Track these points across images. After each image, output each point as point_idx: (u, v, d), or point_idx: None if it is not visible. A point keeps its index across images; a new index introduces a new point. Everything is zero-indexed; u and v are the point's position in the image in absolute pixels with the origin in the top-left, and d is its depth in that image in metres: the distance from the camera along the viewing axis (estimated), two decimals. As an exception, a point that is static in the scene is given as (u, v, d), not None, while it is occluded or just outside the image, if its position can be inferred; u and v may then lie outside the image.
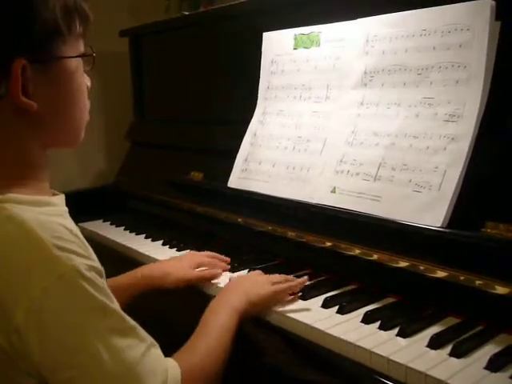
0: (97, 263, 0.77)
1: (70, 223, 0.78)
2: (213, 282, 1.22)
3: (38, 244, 0.70)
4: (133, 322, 0.76)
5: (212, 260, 1.29)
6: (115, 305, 0.75)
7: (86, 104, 0.88)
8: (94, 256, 0.78)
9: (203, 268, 1.26)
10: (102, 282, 0.76)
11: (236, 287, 1.09)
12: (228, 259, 1.31)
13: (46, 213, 0.76)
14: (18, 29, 0.75)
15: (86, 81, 0.88)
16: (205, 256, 1.31)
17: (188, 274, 1.21)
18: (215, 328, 0.95)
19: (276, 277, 1.14)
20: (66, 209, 0.85)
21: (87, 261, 0.74)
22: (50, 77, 0.80)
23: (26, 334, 0.69)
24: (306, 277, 1.14)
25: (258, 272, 1.19)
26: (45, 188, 0.85)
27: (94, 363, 0.70)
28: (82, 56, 0.84)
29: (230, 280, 1.19)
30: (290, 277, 1.15)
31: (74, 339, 0.70)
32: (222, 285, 1.19)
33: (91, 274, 0.73)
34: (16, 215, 0.72)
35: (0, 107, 0.77)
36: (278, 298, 1.07)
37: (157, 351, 0.79)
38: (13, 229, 0.71)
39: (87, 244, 0.79)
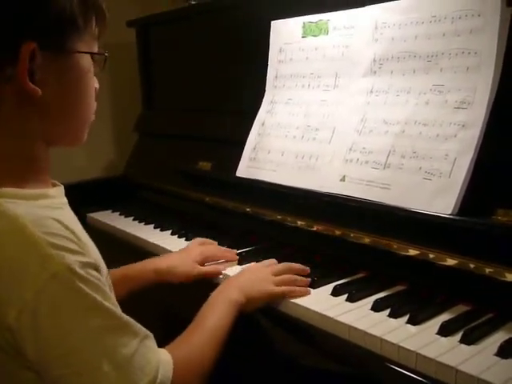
0: (91, 258, 0.75)
1: (66, 216, 0.77)
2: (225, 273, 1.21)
3: (31, 241, 0.70)
4: (126, 317, 0.76)
5: (218, 252, 1.29)
6: (110, 300, 0.75)
7: (92, 105, 0.86)
8: (91, 250, 0.78)
9: (209, 263, 1.26)
10: (98, 276, 0.75)
11: (236, 282, 1.08)
12: (233, 251, 1.31)
13: (41, 206, 0.76)
14: (30, 11, 0.74)
15: (95, 83, 0.87)
16: (212, 247, 1.31)
17: (193, 270, 1.21)
18: (211, 321, 0.95)
19: (280, 270, 1.12)
20: (65, 200, 0.84)
21: (81, 257, 0.73)
22: (61, 69, 0.79)
23: (19, 333, 0.69)
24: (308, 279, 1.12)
25: (262, 265, 1.17)
26: (43, 180, 0.83)
27: (86, 362, 0.71)
28: (94, 54, 0.83)
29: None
30: (296, 266, 1.14)
31: (67, 339, 0.70)
32: (230, 274, 1.19)
33: (85, 271, 0.72)
34: (8, 210, 0.71)
35: (5, 91, 0.76)
36: (277, 297, 1.06)
37: (150, 344, 0.79)
38: (5, 225, 0.71)
39: (84, 237, 0.78)
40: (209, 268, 1.23)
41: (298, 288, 1.07)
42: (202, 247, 1.29)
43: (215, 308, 0.98)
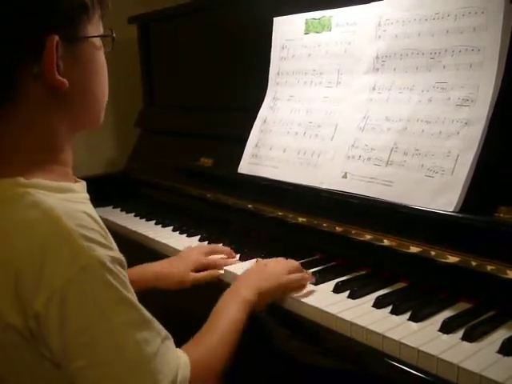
0: (118, 253, 0.76)
1: (92, 210, 0.78)
2: (227, 269, 1.22)
3: (64, 232, 0.70)
4: (149, 315, 0.76)
5: (211, 259, 1.27)
6: (134, 297, 0.75)
7: (107, 84, 0.88)
8: (114, 245, 0.77)
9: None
10: (124, 273, 0.75)
11: (249, 278, 1.08)
12: (229, 249, 1.30)
13: (69, 199, 0.76)
14: (48, 5, 0.74)
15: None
16: (205, 252, 1.29)
17: (188, 277, 1.21)
18: (224, 321, 0.95)
19: (294, 265, 1.12)
20: (87, 195, 0.84)
21: (110, 252, 0.73)
22: (76, 55, 0.80)
23: (45, 321, 0.69)
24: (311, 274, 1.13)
25: (276, 261, 1.15)
26: (68, 174, 0.84)
27: (111, 355, 0.71)
28: (105, 36, 0.84)
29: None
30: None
31: (92, 329, 0.70)
32: (236, 271, 1.17)
33: (114, 266, 0.72)
34: (41, 201, 0.72)
35: (33, 87, 0.76)
36: (289, 289, 1.06)
37: (170, 344, 0.79)
38: (39, 215, 0.71)
39: (108, 232, 0.78)
40: (203, 274, 1.23)
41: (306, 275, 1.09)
42: (199, 255, 1.27)
43: (228, 308, 0.98)
